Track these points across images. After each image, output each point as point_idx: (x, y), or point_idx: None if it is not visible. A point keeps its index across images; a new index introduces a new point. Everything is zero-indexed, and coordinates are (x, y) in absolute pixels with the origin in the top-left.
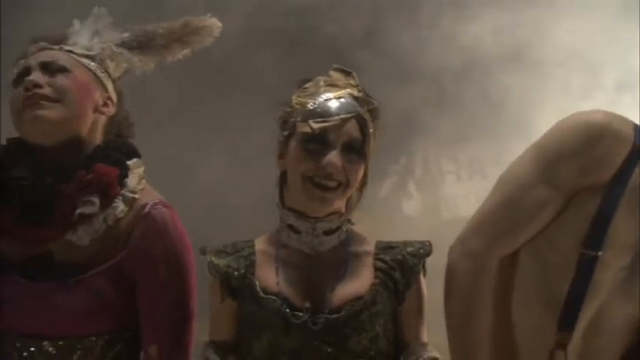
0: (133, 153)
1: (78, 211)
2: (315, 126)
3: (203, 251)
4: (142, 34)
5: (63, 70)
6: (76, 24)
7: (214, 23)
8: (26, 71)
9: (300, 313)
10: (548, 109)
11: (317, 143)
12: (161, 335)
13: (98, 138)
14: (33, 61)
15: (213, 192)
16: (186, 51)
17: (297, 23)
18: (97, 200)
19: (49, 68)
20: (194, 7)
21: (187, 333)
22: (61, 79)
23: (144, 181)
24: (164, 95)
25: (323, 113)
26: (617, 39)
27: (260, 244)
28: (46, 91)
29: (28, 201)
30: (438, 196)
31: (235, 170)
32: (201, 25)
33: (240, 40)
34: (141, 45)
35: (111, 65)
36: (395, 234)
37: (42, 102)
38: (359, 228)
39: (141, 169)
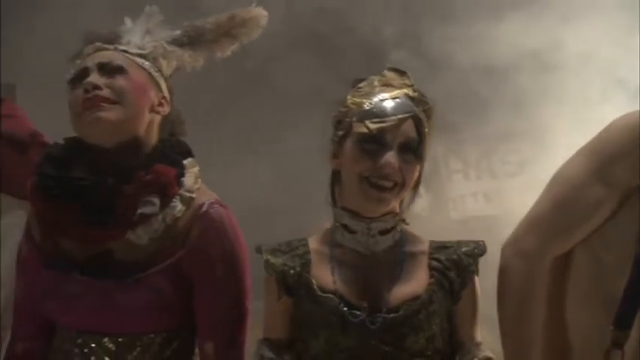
0: (188, 152)
1: (139, 211)
2: (373, 126)
3: (259, 250)
4: (192, 30)
5: (120, 70)
6: (128, 22)
7: (260, 13)
8: (84, 72)
9: (358, 312)
10: (564, 112)
11: (374, 143)
12: (217, 333)
13: (154, 137)
14: (90, 62)
15: (250, 194)
16: (235, 45)
17: (329, 25)
18: (157, 200)
19: (106, 69)
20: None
21: (242, 331)
22: (118, 80)
23: (199, 180)
24: (198, 99)
25: (379, 113)
26: (636, 41)
27: (314, 244)
28: (105, 92)
29: (89, 201)
30: (446, 195)
31: (268, 173)
32: (248, 16)
33: (274, 43)
34: (191, 41)
35: (163, 63)
36: None
37: (102, 104)
38: None
39: (196, 168)
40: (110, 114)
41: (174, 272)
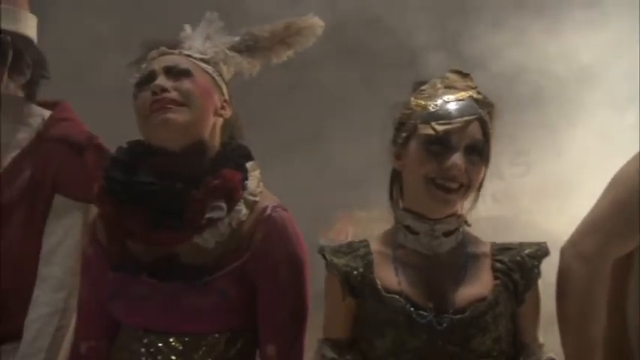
0: (249, 155)
1: (207, 215)
2: (439, 128)
3: (321, 251)
4: (249, 37)
5: (186, 73)
6: (187, 28)
7: (316, 23)
8: (151, 75)
9: (425, 313)
10: (580, 119)
11: (440, 145)
12: (279, 335)
13: (217, 141)
14: (156, 66)
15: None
16: (289, 52)
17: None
18: (224, 205)
19: (172, 72)
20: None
21: (303, 333)
22: (185, 83)
23: (261, 183)
24: (242, 106)
25: (445, 115)
26: None
27: (375, 245)
28: (173, 95)
29: (158, 205)
30: None
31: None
32: (304, 25)
33: (316, 50)
34: (248, 48)
35: (224, 68)
36: None
37: (170, 106)
38: (378, 228)
39: (257, 172)
40: (178, 116)
41: (240, 275)
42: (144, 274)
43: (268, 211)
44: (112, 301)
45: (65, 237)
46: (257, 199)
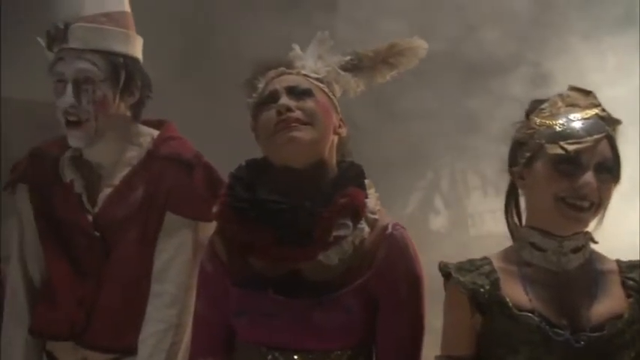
0: (363, 173)
1: (334, 233)
2: (570, 148)
3: (445, 268)
4: (355, 56)
5: (308, 93)
6: (296, 48)
7: (420, 45)
8: (273, 95)
9: (561, 331)
10: None
11: (570, 164)
12: (398, 351)
13: (334, 159)
14: (278, 86)
15: None
16: (393, 72)
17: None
18: (350, 223)
19: (294, 92)
20: None
21: (420, 350)
22: (308, 103)
23: (379, 202)
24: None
25: (573, 134)
26: None
27: (498, 262)
28: (297, 114)
29: (286, 223)
30: (465, 212)
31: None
32: (407, 46)
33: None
34: (354, 67)
35: (336, 87)
36: (422, 249)
37: (294, 124)
38: None
39: (373, 190)
40: (304, 134)
41: (363, 292)
42: (270, 291)
43: (389, 230)
44: (237, 317)
45: (176, 254)
46: (377, 217)
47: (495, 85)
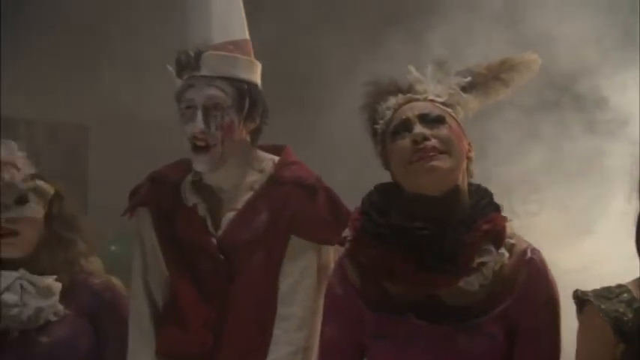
0: (492, 196)
1: (478, 259)
2: None
3: (583, 295)
4: (467, 74)
5: (441, 121)
6: (413, 70)
7: (533, 59)
8: (406, 124)
9: None
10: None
11: None
12: None
13: (466, 183)
14: (410, 113)
15: None
16: (506, 89)
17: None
18: (493, 249)
19: (426, 120)
20: None
21: None
22: (442, 130)
23: (512, 225)
24: None
25: None
26: None
27: (636, 290)
28: (434, 142)
29: (431, 249)
30: None
31: None
32: (519, 61)
33: None
34: (471, 87)
35: (459, 110)
36: None
37: (432, 154)
38: None
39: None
40: (443, 163)
41: (504, 318)
42: (412, 316)
43: (529, 254)
44: (375, 342)
45: (302, 278)
46: (513, 241)
47: None
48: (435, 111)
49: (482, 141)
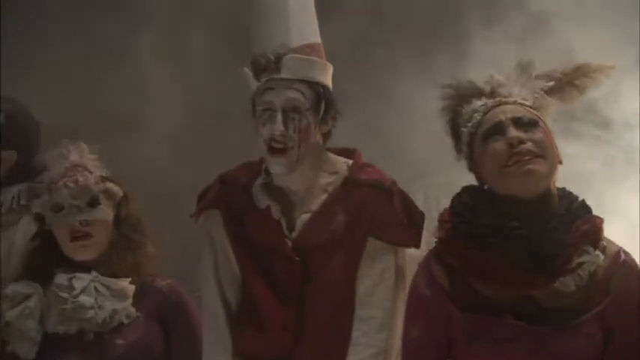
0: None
1: (578, 260)
2: None
3: None
4: (549, 79)
5: (534, 124)
6: (496, 75)
7: (609, 66)
8: (499, 126)
9: None
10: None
11: None
12: None
13: (555, 186)
14: (502, 117)
15: None
16: (580, 96)
17: None
18: (591, 249)
19: (519, 123)
20: None
21: None
22: (537, 134)
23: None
24: None
25: None
26: None
27: None
28: (529, 146)
29: (531, 250)
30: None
31: None
32: (595, 68)
33: None
34: (551, 90)
35: (544, 114)
36: None
37: (527, 157)
38: None
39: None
40: (539, 167)
41: (601, 320)
42: (509, 316)
43: (622, 256)
44: (468, 343)
45: (380, 280)
46: (606, 243)
47: None
48: (527, 114)
49: None
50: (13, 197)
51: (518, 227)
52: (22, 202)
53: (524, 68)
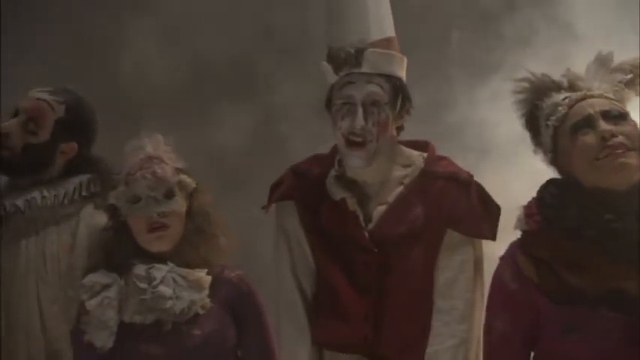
0: None
1: None
2: None
3: None
4: (626, 71)
5: (623, 117)
6: (570, 68)
7: None
8: (589, 120)
9: None
10: None
11: None
12: None
13: None
14: (591, 110)
15: None
16: None
17: None
18: None
19: (609, 116)
20: None
21: None
22: (626, 127)
23: None
24: None
25: None
26: None
27: None
28: (621, 139)
29: (625, 242)
30: None
31: None
32: None
33: None
34: (629, 83)
35: (626, 106)
36: None
37: (620, 150)
38: None
39: None
40: (632, 160)
41: None
42: (603, 308)
43: None
44: (564, 335)
45: (460, 271)
46: None
47: None
48: (615, 107)
49: None
50: (75, 188)
51: (614, 220)
52: (84, 193)
53: (602, 61)
